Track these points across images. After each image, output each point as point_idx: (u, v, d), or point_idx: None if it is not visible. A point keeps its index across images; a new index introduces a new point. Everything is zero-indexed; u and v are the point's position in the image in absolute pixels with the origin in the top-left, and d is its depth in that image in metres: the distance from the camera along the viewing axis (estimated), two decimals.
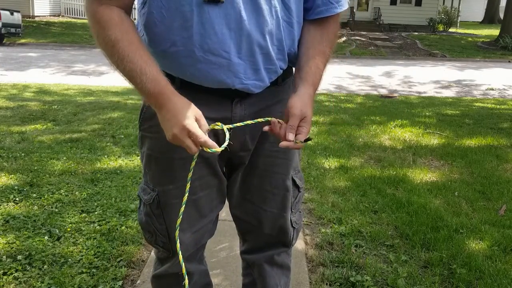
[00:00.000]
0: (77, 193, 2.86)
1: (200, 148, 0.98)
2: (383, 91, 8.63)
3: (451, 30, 21.69)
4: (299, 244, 2.30)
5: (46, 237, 2.27)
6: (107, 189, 2.95)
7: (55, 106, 5.62)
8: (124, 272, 2.02)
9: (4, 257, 2.08)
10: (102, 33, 0.96)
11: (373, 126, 5.13)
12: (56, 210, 2.60)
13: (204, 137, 0.96)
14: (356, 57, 14.97)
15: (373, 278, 2.04)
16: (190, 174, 1.06)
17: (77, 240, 2.27)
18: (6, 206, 2.63)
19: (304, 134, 1.03)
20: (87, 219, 2.50)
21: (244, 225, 1.33)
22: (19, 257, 2.07)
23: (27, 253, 2.11)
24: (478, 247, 2.35)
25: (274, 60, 1.08)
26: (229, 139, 1.04)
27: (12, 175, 3.12)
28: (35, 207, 2.62)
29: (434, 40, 18.18)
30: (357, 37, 18.24)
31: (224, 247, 2.25)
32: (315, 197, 2.97)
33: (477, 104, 7.23)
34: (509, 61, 14.69)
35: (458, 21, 23.20)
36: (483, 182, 3.35)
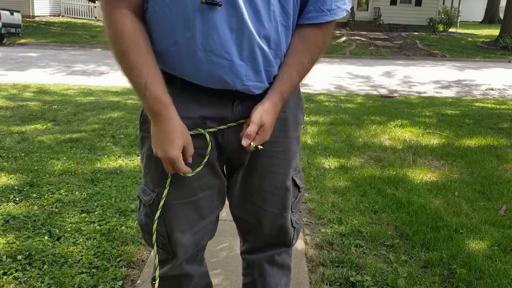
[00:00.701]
0: (77, 193, 2.86)
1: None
2: (383, 91, 8.63)
3: (451, 30, 21.69)
4: (299, 244, 2.30)
5: (46, 237, 2.27)
6: (107, 189, 2.95)
7: (55, 106, 5.62)
8: (124, 272, 2.02)
9: (4, 257, 2.07)
10: (113, 40, 1.00)
11: (373, 126, 5.13)
12: (56, 210, 2.60)
13: (183, 169, 1.06)
14: (356, 57, 14.98)
15: (373, 278, 2.04)
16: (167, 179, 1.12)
17: (77, 240, 2.27)
18: (6, 206, 2.63)
19: (258, 141, 1.09)
20: (87, 219, 2.50)
21: (244, 225, 1.33)
22: (19, 257, 2.07)
23: (27, 253, 2.11)
24: (478, 247, 2.35)
25: (273, 63, 1.08)
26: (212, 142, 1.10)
27: (12, 175, 3.12)
28: (35, 207, 2.62)
29: (434, 40, 18.18)
30: (357, 37, 18.24)
31: (224, 247, 2.25)
32: (315, 197, 2.97)
33: (477, 104, 7.23)
34: (509, 61, 14.70)
35: (458, 21, 23.20)
36: (483, 182, 3.35)
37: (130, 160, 3.56)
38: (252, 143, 1.08)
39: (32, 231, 2.33)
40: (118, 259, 2.12)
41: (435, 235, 2.43)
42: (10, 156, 3.55)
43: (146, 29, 1.05)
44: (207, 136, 1.09)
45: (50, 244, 2.22)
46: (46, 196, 2.78)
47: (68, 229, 2.37)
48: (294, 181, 1.26)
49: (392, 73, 11.42)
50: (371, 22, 21.35)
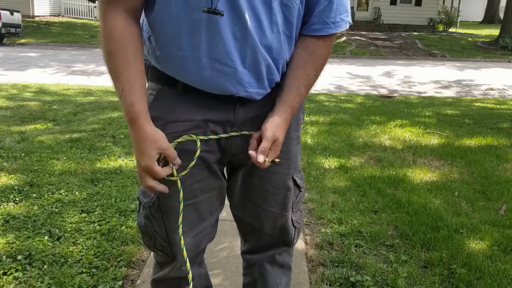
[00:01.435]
0: (77, 193, 2.86)
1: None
2: (383, 91, 8.63)
3: (451, 30, 21.69)
4: (299, 244, 2.30)
5: (46, 237, 2.27)
6: (107, 189, 2.95)
7: (55, 106, 5.62)
8: (124, 272, 2.02)
9: (4, 257, 2.08)
10: (103, 40, 1.01)
11: (373, 126, 5.13)
12: (56, 210, 2.60)
13: (161, 174, 1.05)
14: (356, 57, 14.98)
15: (373, 278, 2.04)
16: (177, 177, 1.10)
17: (77, 240, 2.27)
18: (6, 206, 2.63)
19: (272, 156, 1.08)
20: (87, 219, 2.50)
21: (245, 225, 1.33)
22: (19, 257, 2.07)
23: (27, 253, 2.11)
24: (478, 247, 2.35)
25: (275, 71, 1.10)
26: (202, 149, 1.10)
27: (12, 175, 3.12)
28: (35, 207, 2.62)
29: (434, 40, 18.18)
30: (357, 37, 18.23)
31: (225, 247, 2.25)
32: (315, 197, 2.97)
33: (477, 104, 7.23)
34: (509, 61, 14.69)
35: (458, 21, 23.19)
36: (483, 182, 3.35)
37: (130, 160, 3.55)
38: (266, 159, 1.07)
39: (32, 231, 2.33)
40: (118, 259, 2.12)
41: (435, 235, 2.43)
42: (10, 156, 3.55)
43: (151, 33, 1.05)
44: (198, 143, 1.09)
45: (50, 244, 2.22)
46: (46, 196, 2.78)
47: (68, 229, 2.37)
48: (294, 181, 1.26)
49: (392, 73, 11.42)
50: (371, 22, 21.35)
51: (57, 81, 8.27)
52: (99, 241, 2.26)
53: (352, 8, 20.69)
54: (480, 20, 28.83)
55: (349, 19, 1.14)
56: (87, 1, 20.36)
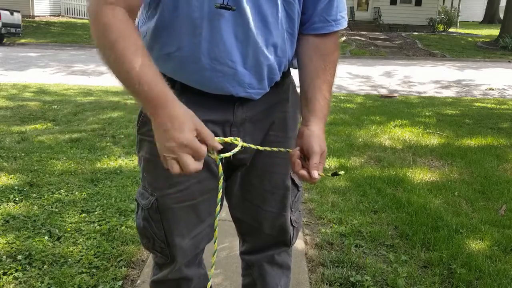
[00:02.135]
0: (77, 193, 2.86)
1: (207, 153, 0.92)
2: (383, 91, 8.63)
3: (451, 30, 21.68)
4: (299, 244, 2.30)
5: (46, 237, 2.27)
6: (107, 189, 2.95)
7: (55, 106, 5.62)
8: (124, 272, 2.02)
9: (4, 257, 2.08)
10: (100, 35, 0.90)
11: (373, 126, 5.13)
12: (56, 210, 2.60)
13: (203, 151, 0.89)
14: (356, 57, 14.97)
15: (373, 278, 2.04)
16: (220, 182, 1.04)
17: (77, 240, 2.27)
18: (6, 206, 2.63)
19: (321, 169, 1.08)
20: (87, 219, 2.51)
21: (244, 225, 1.33)
22: (19, 257, 2.07)
23: (27, 253, 2.11)
24: (478, 247, 2.35)
25: (277, 70, 1.10)
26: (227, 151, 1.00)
27: (12, 175, 3.12)
28: (35, 207, 2.62)
29: (434, 40, 18.17)
30: (357, 37, 18.23)
31: (224, 247, 2.25)
32: (315, 197, 2.97)
33: (477, 104, 7.23)
34: (509, 61, 14.69)
35: (458, 21, 23.19)
36: (483, 182, 3.35)
37: (130, 160, 3.55)
38: (318, 173, 1.06)
39: (32, 231, 2.33)
40: (118, 259, 2.12)
41: (435, 235, 2.43)
42: (10, 156, 3.55)
43: (151, 33, 1.04)
44: (239, 143, 1.02)
45: (50, 244, 2.22)
46: (46, 196, 2.78)
47: (68, 229, 2.37)
48: (293, 180, 1.26)
49: (392, 73, 11.42)
50: (371, 22, 21.35)
51: (57, 81, 8.27)
52: (99, 241, 2.26)
53: (352, 8, 20.70)
54: (480, 20, 28.82)
55: (346, 16, 1.15)
56: (87, 1, 20.36)
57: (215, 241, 1.07)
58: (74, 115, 5.15)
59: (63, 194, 2.83)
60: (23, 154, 3.59)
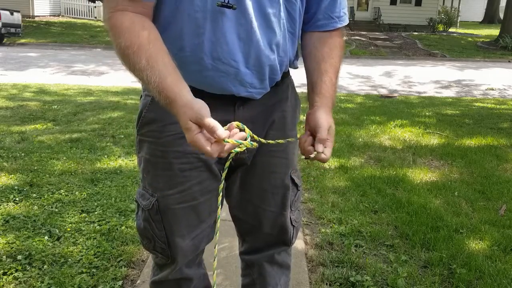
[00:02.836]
0: (77, 193, 2.86)
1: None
2: (383, 91, 8.63)
3: (451, 30, 21.68)
4: (299, 244, 2.30)
5: (46, 237, 2.27)
6: (107, 189, 2.95)
7: (55, 106, 5.62)
8: (124, 272, 2.02)
9: (4, 257, 2.07)
10: (114, 40, 0.95)
11: (373, 126, 5.13)
12: (56, 210, 2.60)
13: (223, 134, 0.89)
14: (356, 57, 14.97)
15: (373, 278, 2.04)
16: (221, 186, 1.07)
17: (77, 240, 2.27)
18: (6, 206, 2.63)
19: (330, 146, 1.03)
20: (87, 219, 2.50)
21: (244, 225, 1.33)
22: (19, 257, 2.07)
23: (27, 253, 2.11)
24: (478, 247, 2.35)
25: (278, 70, 1.10)
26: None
27: (12, 175, 3.12)
28: (35, 207, 2.62)
29: (434, 40, 18.17)
30: (357, 37, 18.23)
31: (224, 247, 2.25)
32: (315, 197, 2.97)
33: (477, 104, 7.23)
34: (509, 61, 14.69)
35: (458, 21, 23.19)
36: (483, 182, 3.35)
37: (130, 160, 3.55)
38: (325, 150, 1.02)
39: (32, 231, 2.33)
40: (118, 259, 2.12)
41: (435, 235, 2.43)
42: (10, 156, 3.55)
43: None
44: (252, 137, 0.99)
45: (50, 244, 2.22)
46: (46, 196, 2.78)
47: (68, 229, 2.37)
48: (292, 180, 1.26)
49: (392, 73, 11.42)
50: (371, 22, 21.34)
51: (57, 81, 8.27)
52: (99, 241, 2.26)
53: (352, 8, 20.70)
54: (480, 20, 28.82)
55: (348, 13, 1.17)
56: (87, 1, 20.35)
57: (215, 246, 1.07)
58: (74, 115, 5.15)
59: (63, 194, 2.83)
60: (23, 154, 3.59)
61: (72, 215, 2.54)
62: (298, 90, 1.28)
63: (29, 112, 5.22)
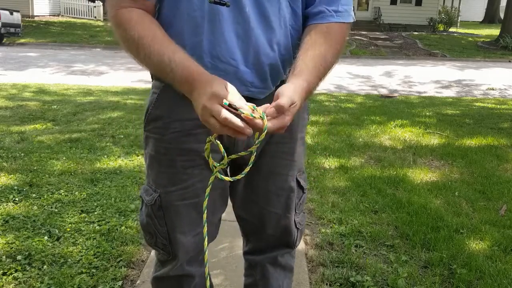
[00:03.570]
0: (76, 193, 2.86)
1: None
2: (383, 91, 8.63)
3: (451, 30, 21.67)
4: (299, 245, 2.30)
5: (45, 237, 2.27)
6: (106, 189, 2.94)
7: (55, 106, 5.61)
8: (123, 272, 2.02)
9: (4, 257, 2.07)
10: (124, 34, 0.97)
11: (373, 126, 5.13)
12: (56, 210, 2.60)
13: (240, 102, 0.87)
14: (356, 56, 14.97)
15: (373, 278, 2.03)
16: (208, 190, 1.04)
17: (77, 240, 2.26)
18: (5, 206, 2.62)
19: (280, 121, 0.89)
20: (86, 219, 2.50)
21: (247, 225, 1.32)
22: (19, 257, 2.07)
23: (26, 253, 2.11)
24: (478, 247, 2.34)
25: (281, 70, 1.09)
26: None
27: (12, 175, 3.12)
28: (35, 207, 2.62)
29: (434, 40, 18.17)
30: (357, 37, 18.23)
31: (224, 247, 2.25)
32: (315, 197, 2.97)
33: (477, 104, 7.23)
34: (509, 61, 14.69)
35: (459, 21, 23.19)
36: (484, 182, 3.35)
37: (130, 160, 3.55)
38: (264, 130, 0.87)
39: (32, 231, 2.33)
40: (118, 259, 2.11)
41: (435, 235, 2.43)
42: (10, 156, 3.54)
43: None
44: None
45: (50, 244, 2.21)
46: (45, 196, 2.78)
47: (68, 229, 2.36)
48: (298, 182, 1.25)
49: (392, 73, 11.42)
50: (371, 22, 21.34)
51: (57, 81, 8.27)
52: (98, 241, 2.25)
53: (352, 7, 20.68)
54: (481, 20, 28.81)
55: (353, 14, 1.12)
56: (87, 1, 20.35)
57: (204, 237, 1.06)
58: (73, 115, 5.15)
59: (62, 194, 2.83)
60: (22, 154, 3.58)
61: (71, 215, 2.54)
62: None
63: (29, 112, 5.22)
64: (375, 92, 8.47)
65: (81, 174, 3.21)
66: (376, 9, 21.49)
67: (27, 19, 18.62)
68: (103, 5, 16.96)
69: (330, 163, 3.70)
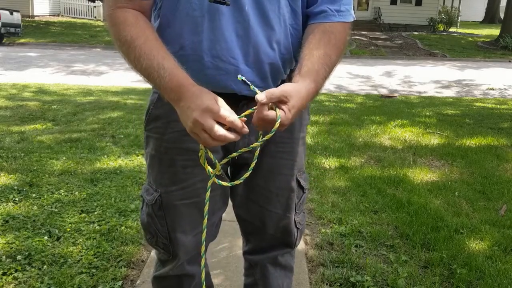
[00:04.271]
0: (76, 193, 2.86)
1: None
2: (383, 91, 8.63)
3: (451, 30, 21.67)
4: (299, 244, 2.30)
5: (45, 237, 2.27)
6: (106, 189, 2.94)
7: (55, 106, 5.61)
8: (123, 272, 2.02)
9: (4, 257, 2.07)
10: (118, 34, 0.98)
11: (373, 126, 5.13)
12: (56, 210, 2.60)
13: (232, 116, 0.90)
14: (356, 56, 14.97)
15: (373, 278, 2.03)
16: (207, 195, 1.03)
17: (77, 240, 2.26)
18: (5, 206, 2.62)
19: (287, 116, 0.91)
20: (86, 219, 2.50)
21: (248, 225, 1.32)
22: (19, 257, 2.07)
23: (26, 253, 2.11)
24: (478, 247, 2.34)
25: (281, 68, 1.09)
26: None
27: (12, 175, 3.12)
28: (35, 207, 2.62)
29: (434, 40, 18.17)
30: (357, 37, 18.23)
31: (224, 247, 2.25)
32: (315, 197, 2.97)
33: (477, 104, 7.23)
34: (509, 61, 14.69)
35: (459, 20, 23.17)
36: (484, 182, 3.35)
37: (130, 160, 3.55)
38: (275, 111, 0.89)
39: (32, 231, 2.33)
40: (118, 259, 2.11)
41: (435, 235, 2.43)
42: (10, 156, 3.54)
43: (157, 34, 1.05)
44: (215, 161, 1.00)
45: (50, 244, 2.21)
46: (45, 196, 2.78)
47: (68, 229, 2.36)
48: (298, 182, 1.25)
49: (392, 73, 11.42)
50: (371, 22, 21.34)
51: (57, 81, 8.27)
52: (98, 241, 2.25)
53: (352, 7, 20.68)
54: (481, 20, 28.80)
55: (353, 13, 1.12)
56: (87, 1, 20.35)
57: (202, 243, 1.06)
58: (73, 115, 5.15)
59: (62, 194, 2.83)
60: (22, 154, 3.58)
61: (71, 215, 2.54)
62: None
63: (29, 112, 5.22)
64: (375, 92, 8.47)
65: (81, 174, 3.21)
66: (376, 9, 21.49)
67: (27, 19, 18.62)
68: (103, 5, 16.95)
69: (330, 163, 3.70)
